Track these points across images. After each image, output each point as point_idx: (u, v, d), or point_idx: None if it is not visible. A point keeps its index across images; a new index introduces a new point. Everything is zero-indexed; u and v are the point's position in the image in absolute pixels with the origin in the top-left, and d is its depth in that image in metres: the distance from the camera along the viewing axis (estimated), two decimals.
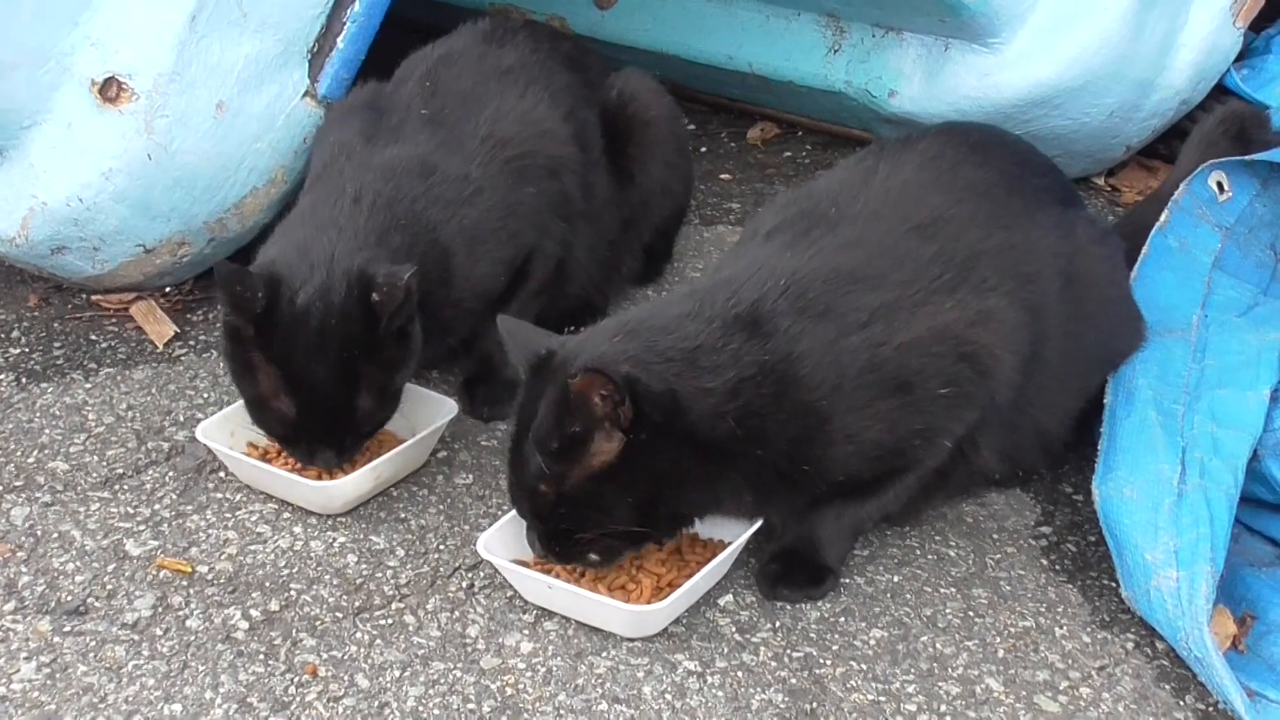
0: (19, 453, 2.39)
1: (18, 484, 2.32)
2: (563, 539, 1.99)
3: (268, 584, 2.14)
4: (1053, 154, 2.66)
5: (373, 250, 2.22)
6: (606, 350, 1.95)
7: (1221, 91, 3.22)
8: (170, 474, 2.36)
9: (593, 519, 1.97)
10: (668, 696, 1.97)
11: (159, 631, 2.05)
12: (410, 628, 2.07)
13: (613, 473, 1.93)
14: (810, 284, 2.04)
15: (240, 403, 2.26)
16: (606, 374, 1.86)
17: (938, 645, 2.07)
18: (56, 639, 2.03)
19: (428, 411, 2.38)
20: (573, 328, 2.23)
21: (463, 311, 2.39)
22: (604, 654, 2.03)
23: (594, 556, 2.02)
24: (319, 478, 2.24)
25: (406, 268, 2.15)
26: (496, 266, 2.42)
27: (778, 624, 2.10)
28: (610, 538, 1.98)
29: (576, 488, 1.94)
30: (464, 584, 2.15)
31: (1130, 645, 2.08)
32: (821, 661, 2.03)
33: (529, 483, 1.97)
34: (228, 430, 2.33)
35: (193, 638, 2.04)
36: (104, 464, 2.37)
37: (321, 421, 2.19)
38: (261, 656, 2.01)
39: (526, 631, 2.07)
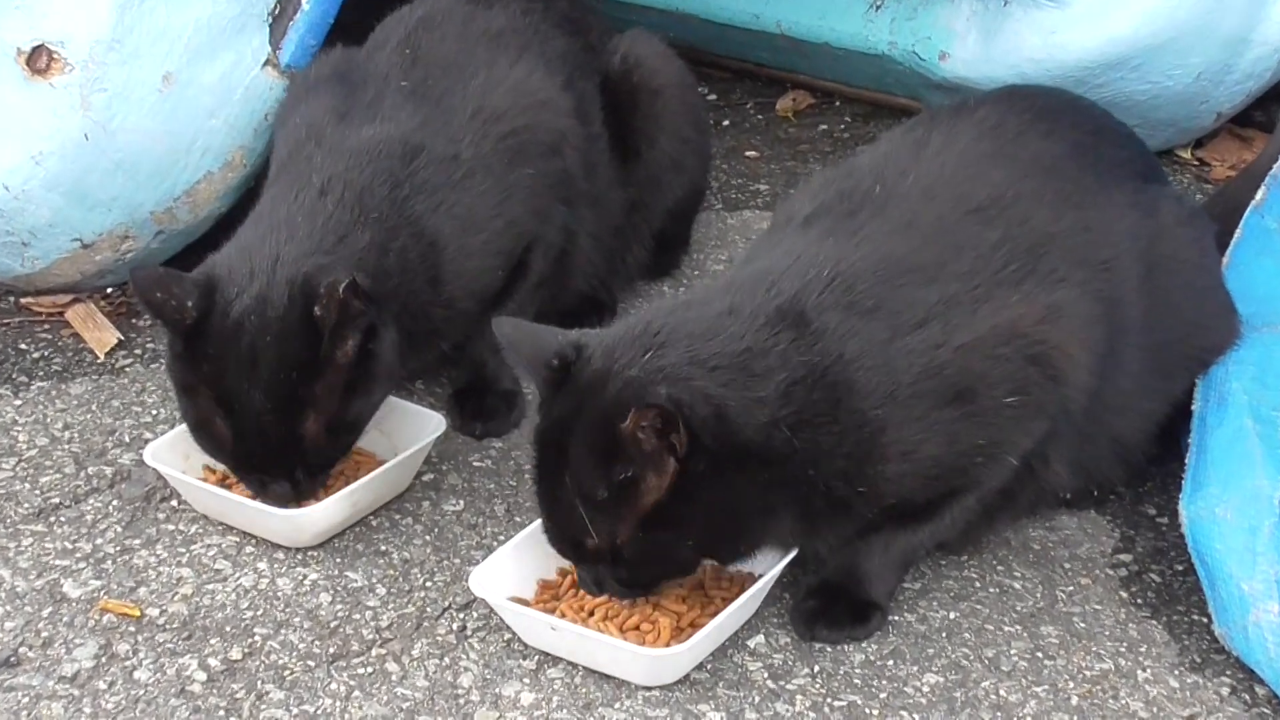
0: None
1: None
2: (625, 582, 2.03)
3: (228, 629, 2.14)
4: (1131, 123, 2.66)
5: (330, 254, 2.21)
6: (639, 375, 1.94)
7: None
8: (114, 503, 2.36)
9: (651, 569, 2.01)
10: None
11: (102, 685, 2.05)
12: (393, 677, 2.07)
13: (665, 512, 1.93)
14: (858, 276, 2.05)
15: None
16: (658, 406, 1.86)
17: (1001, 691, 2.07)
18: None
19: (412, 428, 2.39)
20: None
21: (455, 313, 2.40)
22: (616, 705, 2.04)
23: (665, 581, 2.07)
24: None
25: (345, 275, 2.13)
26: (492, 260, 2.42)
27: (816, 668, 2.10)
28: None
29: (629, 539, 1.95)
30: (455, 626, 2.16)
31: (1225, 690, 2.08)
32: (867, 712, 2.03)
33: (574, 535, 1.99)
34: (181, 452, 2.33)
35: (142, 691, 2.04)
36: (37, 493, 2.38)
37: (261, 452, 2.19)
38: (221, 712, 2.01)
39: (527, 680, 2.07)
